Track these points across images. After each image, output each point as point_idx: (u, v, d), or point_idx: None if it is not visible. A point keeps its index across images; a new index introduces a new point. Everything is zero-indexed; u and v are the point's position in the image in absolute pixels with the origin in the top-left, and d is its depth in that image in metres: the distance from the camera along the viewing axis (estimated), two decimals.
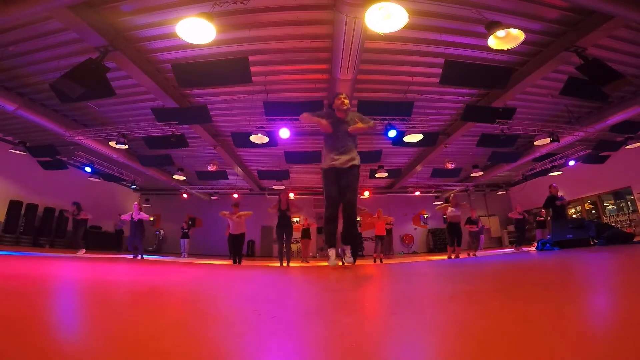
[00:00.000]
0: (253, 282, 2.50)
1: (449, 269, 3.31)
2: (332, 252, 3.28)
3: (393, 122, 7.92)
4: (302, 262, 8.62)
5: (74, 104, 7.62)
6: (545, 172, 12.44)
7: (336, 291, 1.90)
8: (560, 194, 7.44)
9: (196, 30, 4.21)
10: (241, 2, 4.55)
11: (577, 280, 1.76)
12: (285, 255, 6.67)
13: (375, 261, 8.04)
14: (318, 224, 17.47)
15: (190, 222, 16.29)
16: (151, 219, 17.37)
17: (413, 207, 17.45)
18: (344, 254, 3.54)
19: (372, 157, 9.81)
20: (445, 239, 16.34)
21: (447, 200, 8.24)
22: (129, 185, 14.35)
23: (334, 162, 3.24)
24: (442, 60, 5.64)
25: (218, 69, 5.46)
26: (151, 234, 16.83)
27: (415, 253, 16.45)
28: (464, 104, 7.90)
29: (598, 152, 10.63)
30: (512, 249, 9.74)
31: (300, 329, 0.89)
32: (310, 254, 13.56)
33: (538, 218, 9.80)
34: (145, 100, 7.80)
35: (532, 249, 7.99)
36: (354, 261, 4.40)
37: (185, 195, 15.45)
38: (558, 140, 8.62)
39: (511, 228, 16.47)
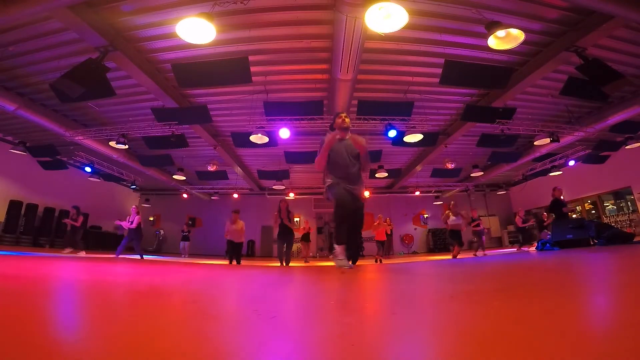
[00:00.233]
0: (253, 282, 2.50)
1: (449, 269, 3.31)
2: (341, 250, 2.86)
3: (393, 122, 7.92)
4: (302, 262, 8.62)
5: (74, 104, 7.63)
6: (545, 172, 12.45)
7: (336, 291, 1.90)
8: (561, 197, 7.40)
9: (196, 30, 4.21)
10: (241, 2, 4.55)
11: (577, 280, 1.76)
12: (285, 257, 6.67)
13: (376, 261, 8.06)
14: (318, 224, 17.48)
15: (190, 222, 16.32)
16: (151, 218, 17.39)
17: (413, 207, 17.46)
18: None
19: (372, 157, 9.74)
20: (445, 239, 16.49)
21: (448, 208, 8.24)
22: (129, 185, 14.36)
23: (348, 187, 3.17)
24: (442, 60, 5.64)
25: (218, 69, 5.47)
26: (151, 234, 16.84)
27: (415, 253, 16.45)
28: (464, 104, 7.90)
29: (598, 152, 10.63)
30: (515, 249, 9.74)
31: (300, 329, 0.89)
32: (310, 254, 13.57)
33: (545, 223, 9.77)
34: (145, 100, 7.81)
35: (532, 249, 7.99)
36: (355, 262, 4.36)
37: (185, 195, 15.45)
38: (558, 140, 8.63)
39: (511, 228, 16.49)
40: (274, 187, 14.05)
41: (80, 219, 8.71)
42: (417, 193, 15.72)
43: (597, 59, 5.54)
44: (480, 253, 8.19)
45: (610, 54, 6.20)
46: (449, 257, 7.79)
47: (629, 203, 11.74)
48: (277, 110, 7.37)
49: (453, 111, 8.74)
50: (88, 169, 11.58)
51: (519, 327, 0.76)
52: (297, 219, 15.80)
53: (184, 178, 12.80)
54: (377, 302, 1.41)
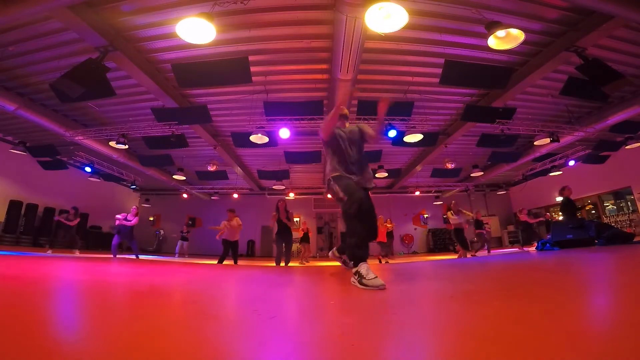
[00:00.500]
0: (253, 283, 2.50)
1: (449, 269, 3.31)
2: (365, 268, 1.95)
3: (393, 122, 7.92)
4: (301, 263, 8.60)
5: (74, 104, 7.62)
6: (545, 172, 12.45)
7: (336, 291, 1.90)
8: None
9: (196, 30, 4.20)
10: (241, 2, 4.55)
11: (577, 281, 1.76)
12: (285, 257, 6.64)
13: (380, 262, 8.06)
14: (318, 224, 17.46)
15: (190, 222, 16.34)
16: (151, 218, 17.40)
17: (413, 207, 17.45)
18: (346, 263, 3.26)
19: (372, 157, 9.80)
20: (445, 239, 16.50)
21: (448, 208, 8.24)
22: (129, 185, 14.35)
23: (357, 179, 2.62)
24: (442, 60, 5.63)
25: (218, 69, 5.46)
26: (151, 234, 16.85)
27: (415, 253, 16.45)
28: (464, 104, 7.90)
29: (598, 152, 10.62)
30: (517, 249, 9.73)
31: (300, 328, 0.89)
32: (311, 254, 13.56)
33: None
34: (145, 100, 7.80)
35: (532, 249, 7.99)
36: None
37: (185, 195, 15.45)
38: (558, 140, 8.62)
39: (511, 228, 16.48)
40: (274, 187, 14.04)
41: (77, 220, 8.75)
42: (417, 193, 15.72)
43: (597, 59, 5.53)
44: (481, 253, 8.19)
45: (610, 54, 6.20)
46: (449, 257, 7.80)
47: (629, 203, 11.74)
48: (277, 110, 7.36)
49: (453, 111, 8.74)
50: (88, 169, 11.57)
51: (519, 327, 0.76)
52: (297, 219, 15.82)
53: (184, 178, 12.79)
54: (377, 302, 1.41)
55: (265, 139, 7.94)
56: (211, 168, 11.82)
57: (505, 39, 4.55)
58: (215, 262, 6.91)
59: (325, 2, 5.03)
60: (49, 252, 8.06)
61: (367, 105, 7.36)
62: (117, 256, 7.64)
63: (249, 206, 16.10)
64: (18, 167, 10.61)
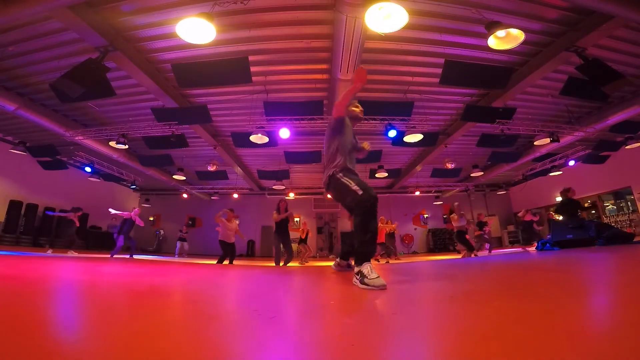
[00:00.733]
0: (252, 282, 2.50)
1: (449, 269, 3.31)
2: (369, 267, 1.92)
3: (393, 122, 7.92)
4: (301, 263, 8.60)
5: (74, 104, 7.62)
6: (545, 172, 12.45)
7: (336, 291, 1.90)
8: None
9: (196, 30, 4.20)
10: (241, 2, 4.55)
11: (577, 281, 1.76)
12: (286, 255, 6.63)
13: (378, 262, 8.05)
14: (318, 223, 17.44)
15: (190, 222, 16.34)
16: (151, 218, 17.40)
17: (413, 207, 17.45)
18: (347, 266, 3.20)
19: (372, 157, 9.81)
20: (445, 239, 16.50)
21: (451, 211, 8.23)
22: (129, 185, 14.35)
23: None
24: (442, 60, 5.63)
25: (218, 69, 5.46)
26: (151, 234, 16.84)
27: (415, 253, 16.45)
28: (464, 104, 7.90)
29: (598, 152, 10.62)
30: (521, 249, 9.70)
31: (300, 329, 0.89)
32: (311, 254, 13.55)
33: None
34: (145, 100, 7.80)
35: (532, 249, 7.99)
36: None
37: (185, 195, 15.45)
38: (558, 140, 8.62)
39: (511, 228, 16.48)
40: (274, 187, 14.04)
41: (79, 213, 8.86)
42: (417, 193, 15.72)
43: (597, 59, 5.53)
44: (481, 253, 8.19)
45: (610, 54, 6.20)
46: (450, 257, 7.81)
47: (629, 203, 11.74)
48: (277, 110, 7.36)
49: (453, 111, 8.74)
50: (88, 169, 11.58)
51: (520, 327, 0.76)
52: (297, 219, 15.82)
53: (184, 178, 12.80)
54: (377, 302, 1.41)
55: (265, 139, 7.94)
56: (211, 168, 11.82)
57: (505, 39, 4.55)
58: (215, 262, 6.91)
59: (325, 2, 5.03)
60: (49, 251, 8.07)
61: (367, 105, 7.35)
62: (114, 256, 7.65)
63: (249, 206, 16.11)
64: (18, 167, 10.61)
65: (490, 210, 17.46)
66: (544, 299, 1.15)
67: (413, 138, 8.27)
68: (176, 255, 12.43)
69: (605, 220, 12.21)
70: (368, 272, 1.87)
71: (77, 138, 8.78)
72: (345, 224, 15.37)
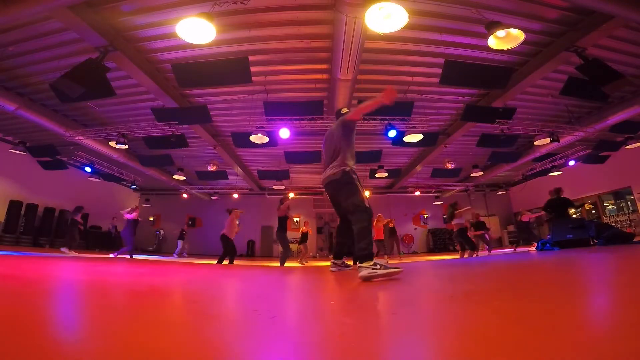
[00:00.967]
0: (253, 282, 2.50)
1: (449, 269, 3.31)
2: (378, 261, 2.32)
3: (393, 122, 7.92)
4: (300, 263, 8.59)
5: (74, 104, 7.63)
6: (545, 172, 12.44)
7: (336, 291, 1.90)
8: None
9: (196, 30, 4.21)
10: (241, 2, 4.55)
11: (577, 281, 1.76)
12: (281, 257, 6.64)
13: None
14: (318, 223, 17.44)
15: (190, 222, 16.33)
16: (151, 218, 17.41)
17: (413, 207, 17.45)
18: (343, 264, 3.28)
19: (372, 157, 9.80)
20: (445, 239, 16.50)
21: (453, 212, 8.24)
22: (129, 185, 14.34)
23: None
24: (442, 60, 5.64)
25: (218, 69, 5.46)
26: (151, 234, 16.85)
27: (415, 253, 16.45)
28: (464, 104, 7.90)
29: (598, 152, 10.62)
30: (526, 249, 9.72)
31: (300, 328, 0.89)
32: (310, 253, 13.56)
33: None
34: (145, 100, 7.81)
35: (532, 249, 7.99)
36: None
37: (185, 195, 15.45)
38: (558, 140, 8.62)
39: (511, 228, 16.47)
40: (274, 187, 14.04)
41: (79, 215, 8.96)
42: (417, 193, 15.72)
43: (597, 59, 5.53)
44: (482, 253, 8.19)
45: (610, 54, 6.20)
46: (450, 257, 7.80)
47: (629, 203, 11.74)
48: (277, 110, 7.36)
49: (453, 111, 8.74)
50: (88, 169, 11.58)
51: (520, 327, 0.76)
52: (297, 219, 15.82)
53: (184, 178, 12.80)
54: (377, 302, 1.41)
55: (265, 139, 7.94)
56: (211, 168, 11.82)
57: (505, 39, 4.55)
58: (214, 261, 6.90)
59: (325, 2, 5.03)
60: (68, 252, 8.04)
61: None
62: (112, 256, 7.65)
63: (249, 206, 16.10)
64: (18, 167, 10.61)
65: (490, 210, 17.46)
66: (544, 299, 1.15)
67: (413, 138, 8.27)
68: (175, 255, 12.41)
69: (605, 220, 12.21)
70: (384, 261, 2.45)
71: (77, 138, 8.78)
72: None
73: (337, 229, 3.32)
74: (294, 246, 11.32)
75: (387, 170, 11.59)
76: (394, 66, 6.75)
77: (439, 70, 5.71)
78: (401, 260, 8.81)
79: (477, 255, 7.65)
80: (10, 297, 1.32)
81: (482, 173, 12.80)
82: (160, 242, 17.05)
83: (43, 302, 1.28)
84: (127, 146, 8.65)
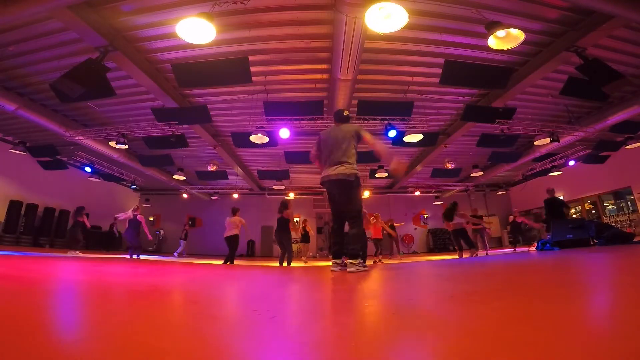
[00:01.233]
0: (253, 283, 2.50)
1: (449, 269, 3.31)
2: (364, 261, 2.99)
3: (393, 122, 7.91)
4: (304, 261, 8.61)
5: (74, 104, 7.63)
6: (545, 172, 12.44)
7: (336, 291, 1.90)
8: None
9: (196, 30, 4.21)
10: (241, 2, 4.55)
11: (577, 281, 1.76)
12: (287, 257, 6.64)
13: (374, 262, 8.05)
14: (318, 223, 17.43)
15: (190, 222, 16.32)
16: (151, 219, 17.40)
17: (413, 207, 17.46)
18: (342, 264, 3.27)
19: (371, 157, 9.79)
20: (445, 239, 16.49)
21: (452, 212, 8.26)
22: (129, 185, 14.35)
23: None
24: (442, 60, 5.64)
25: (218, 69, 5.47)
26: (151, 234, 16.81)
27: (415, 253, 16.45)
28: (464, 104, 7.90)
29: (598, 152, 10.63)
30: (527, 248, 9.73)
31: (300, 329, 0.89)
32: (310, 253, 13.55)
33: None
34: (145, 100, 7.81)
35: (532, 249, 7.99)
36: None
37: (185, 195, 15.45)
38: (558, 140, 8.62)
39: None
40: (274, 187, 14.05)
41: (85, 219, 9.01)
42: (417, 193, 15.73)
43: (597, 59, 5.53)
44: (482, 253, 8.18)
45: (610, 54, 6.20)
46: (450, 257, 7.80)
47: (629, 203, 11.74)
48: (277, 110, 7.37)
49: (453, 111, 8.74)
50: (88, 169, 11.58)
51: (520, 326, 0.76)
52: (297, 219, 15.81)
53: (184, 178, 12.80)
54: (377, 302, 1.40)
55: (265, 139, 7.94)
56: (211, 168, 11.82)
57: (505, 39, 4.55)
58: (215, 261, 6.91)
59: (325, 2, 5.03)
60: (74, 253, 8.06)
61: (367, 105, 7.36)
62: (134, 257, 7.72)
63: (249, 206, 16.10)
64: (18, 167, 10.62)
65: (490, 210, 17.46)
66: (545, 299, 1.15)
67: (413, 138, 8.27)
68: (175, 254, 12.39)
69: (606, 220, 12.21)
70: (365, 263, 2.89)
71: (77, 138, 8.78)
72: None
73: (333, 229, 3.48)
74: (294, 246, 11.30)
75: (387, 170, 11.59)
76: (394, 66, 6.75)
77: (439, 70, 5.71)
78: (401, 260, 8.81)
79: (476, 255, 7.64)
80: (10, 297, 1.31)
81: (482, 173, 12.80)
82: (160, 242, 17.05)
83: (43, 302, 1.28)
84: (127, 146, 8.65)
